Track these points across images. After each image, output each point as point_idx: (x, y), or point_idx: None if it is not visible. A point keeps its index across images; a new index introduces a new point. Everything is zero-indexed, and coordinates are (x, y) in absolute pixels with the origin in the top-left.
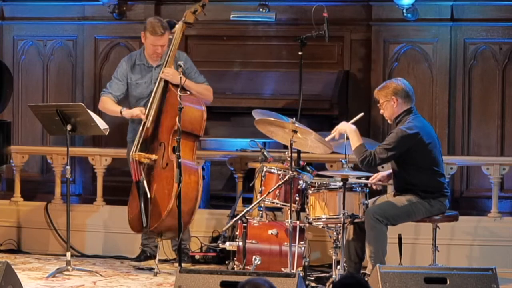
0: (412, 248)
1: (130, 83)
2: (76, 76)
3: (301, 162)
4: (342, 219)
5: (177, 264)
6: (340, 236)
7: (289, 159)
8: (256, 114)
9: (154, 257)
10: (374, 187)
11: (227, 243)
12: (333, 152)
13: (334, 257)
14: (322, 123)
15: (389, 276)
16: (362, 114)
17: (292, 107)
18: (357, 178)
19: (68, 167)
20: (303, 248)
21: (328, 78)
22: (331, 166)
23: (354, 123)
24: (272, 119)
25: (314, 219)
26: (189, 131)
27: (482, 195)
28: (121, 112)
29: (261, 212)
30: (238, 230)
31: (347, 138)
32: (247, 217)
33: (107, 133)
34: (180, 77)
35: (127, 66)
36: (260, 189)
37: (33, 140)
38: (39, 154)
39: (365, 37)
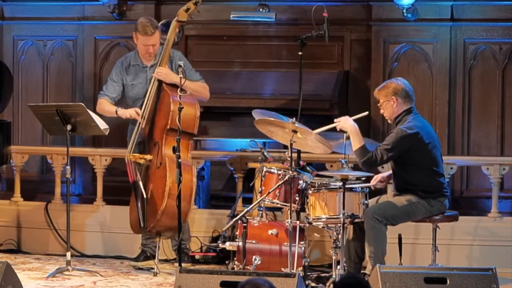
0: (412, 248)
1: (126, 84)
2: (76, 76)
3: (301, 162)
4: (342, 219)
5: (177, 264)
6: (340, 236)
7: (289, 159)
8: (256, 114)
9: (154, 257)
10: (377, 186)
11: (227, 243)
12: (333, 152)
13: (334, 257)
14: (322, 123)
15: (389, 276)
16: (366, 112)
17: (292, 107)
18: (357, 178)
19: (68, 167)
20: (303, 248)
21: (328, 78)
22: (331, 166)
23: (356, 120)
24: (272, 119)
25: (314, 219)
26: (183, 130)
27: (482, 195)
28: (116, 112)
29: (261, 212)
30: (238, 230)
31: (347, 138)
32: (247, 217)
33: (107, 133)
34: (180, 77)
35: (122, 67)
36: (260, 189)
37: (33, 140)
38: (39, 154)
39: (365, 37)
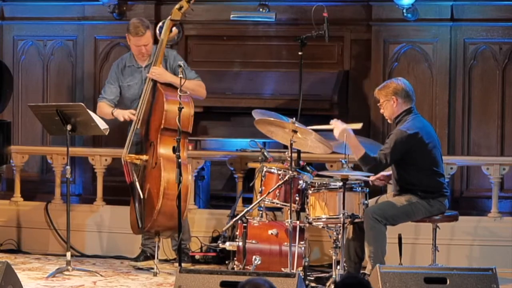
0: (412, 248)
1: (122, 85)
2: (76, 76)
3: (301, 162)
4: (342, 219)
5: (177, 264)
6: (340, 236)
7: (289, 159)
8: (256, 114)
9: (154, 257)
10: (376, 183)
11: (227, 243)
12: (333, 152)
13: (334, 257)
14: (322, 123)
15: (389, 276)
16: (360, 124)
17: (292, 107)
18: (357, 178)
19: (68, 167)
20: (303, 248)
21: (328, 78)
22: (331, 166)
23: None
24: (272, 119)
25: (314, 219)
26: (177, 128)
27: (482, 195)
28: (112, 113)
29: (261, 212)
30: (238, 230)
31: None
32: (247, 217)
33: (107, 133)
34: (180, 77)
35: (118, 69)
36: (260, 189)
37: (33, 140)
38: (39, 154)
39: (365, 37)
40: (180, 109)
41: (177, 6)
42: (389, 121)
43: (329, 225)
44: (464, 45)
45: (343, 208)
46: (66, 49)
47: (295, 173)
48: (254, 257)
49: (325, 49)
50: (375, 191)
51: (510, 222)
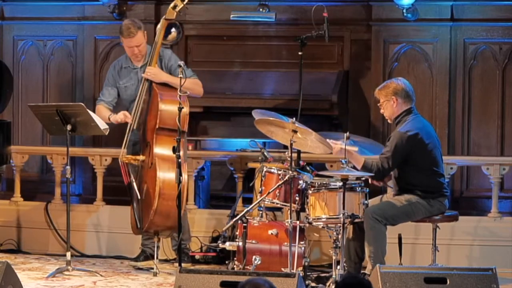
0: (412, 248)
1: (119, 86)
2: (76, 76)
3: (301, 162)
4: (342, 219)
5: (177, 264)
6: (340, 236)
7: (289, 159)
8: (256, 114)
9: (154, 257)
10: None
11: (227, 243)
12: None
13: (334, 257)
14: (322, 123)
15: (389, 276)
16: (357, 148)
17: (292, 107)
18: (357, 178)
19: (68, 167)
20: (303, 248)
21: (328, 78)
22: (331, 166)
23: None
24: (272, 119)
25: (314, 219)
26: (172, 128)
27: (482, 195)
28: (109, 119)
29: (261, 212)
30: (238, 230)
31: (347, 138)
32: (247, 217)
33: (107, 133)
34: (180, 77)
35: (115, 70)
36: (260, 189)
37: (33, 140)
38: (39, 154)
39: (365, 37)
40: (180, 109)
41: (171, 5)
42: (389, 121)
43: (329, 225)
44: (464, 45)
45: (343, 208)
46: (66, 49)
47: (295, 173)
48: (254, 257)
49: (325, 49)
50: (375, 191)
51: (510, 222)
